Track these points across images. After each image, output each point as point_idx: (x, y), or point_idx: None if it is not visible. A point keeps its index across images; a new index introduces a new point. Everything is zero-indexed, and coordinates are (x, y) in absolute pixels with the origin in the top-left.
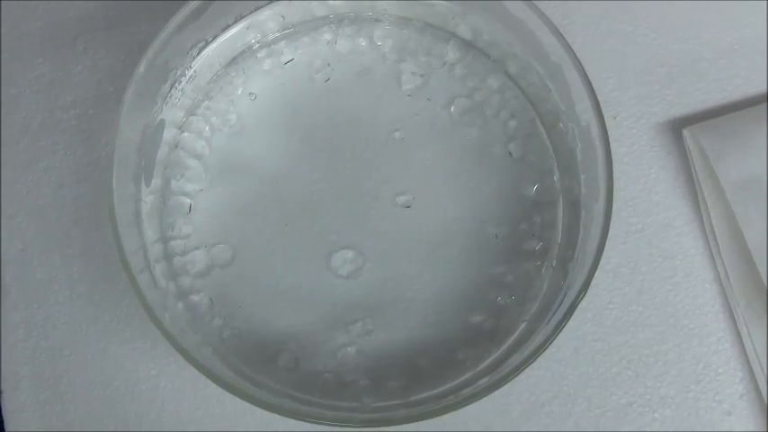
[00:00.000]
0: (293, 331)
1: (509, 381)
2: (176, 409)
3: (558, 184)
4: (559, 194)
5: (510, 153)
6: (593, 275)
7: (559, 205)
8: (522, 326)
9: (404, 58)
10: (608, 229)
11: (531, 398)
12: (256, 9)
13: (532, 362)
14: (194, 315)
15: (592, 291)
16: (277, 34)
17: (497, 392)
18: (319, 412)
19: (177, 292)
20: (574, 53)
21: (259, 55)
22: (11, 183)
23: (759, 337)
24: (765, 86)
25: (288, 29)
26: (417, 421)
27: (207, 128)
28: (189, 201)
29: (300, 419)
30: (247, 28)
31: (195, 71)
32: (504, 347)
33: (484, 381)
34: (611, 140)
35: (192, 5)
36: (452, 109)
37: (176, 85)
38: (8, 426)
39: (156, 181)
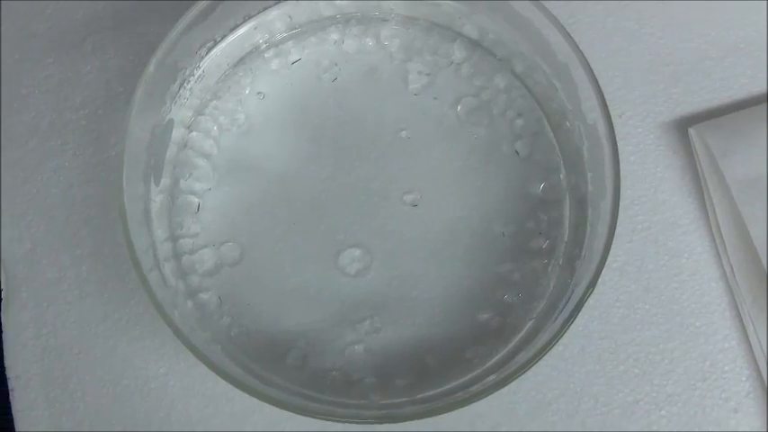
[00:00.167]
0: (301, 329)
1: (516, 378)
2: (185, 408)
3: (564, 182)
4: (566, 193)
5: (517, 152)
6: (600, 273)
7: (566, 203)
8: (529, 324)
9: (410, 58)
10: (615, 227)
11: (538, 396)
12: (264, 9)
13: (539, 359)
14: (203, 313)
15: (598, 289)
16: (284, 34)
17: (504, 390)
18: (330, 409)
19: (186, 290)
20: (581, 52)
21: (267, 55)
22: (20, 182)
23: (765, 335)
24: None
25: (295, 29)
26: (425, 417)
27: (215, 127)
28: (197, 200)
29: (310, 416)
30: (255, 28)
31: (204, 71)
32: (510, 345)
33: (491, 378)
34: (616, 139)
35: (200, 6)
36: (459, 108)
37: (185, 84)
38: (18, 424)
39: (165, 180)
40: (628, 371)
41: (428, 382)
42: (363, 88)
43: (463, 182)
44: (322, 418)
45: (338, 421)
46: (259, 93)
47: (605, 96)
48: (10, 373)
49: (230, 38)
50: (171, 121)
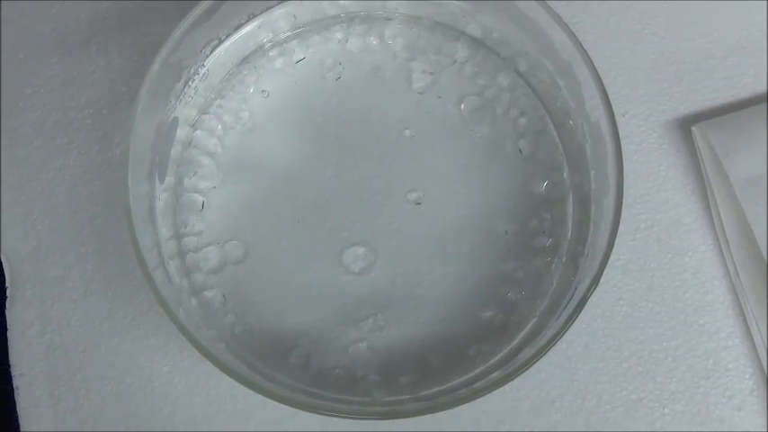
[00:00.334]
0: (305, 327)
1: (519, 375)
2: (189, 406)
3: (567, 180)
4: (569, 191)
5: (520, 150)
6: (603, 270)
7: (569, 202)
8: (533, 321)
9: (414, 57)
10: (618, 224)
11: (542, 394)
12: (268, 8)
13: (542, 356)
14: (207, 311)
15: (602, 287)
16: (289, 33)
17: (508, 388)
18: (333, 406)
19: (191, 288)
20: (584, 50)
21: (271, 54)
22: (26, 181)
23: None
24: None
25: (299, 28)
26: (428, 414)
27: (219, 126)
28: (202, 198)
29: (314, 412)
30: (259, 27)
31: (208, 70)
32: (514, 343)
33: (494, 375)
34: (620, 137)
35: (204, 5)
36: (463, 107)
37: (189, 83)
38: (23, 422)
39: (170, 179)
40: (631, 369)
41: (431, 380)
42: (367, 87)
43: (467, 180)
44: (326, 415)
45: (342, 418)
46: (263, 91)
47: (609, 95)
48: (15, 371)
49: (235, 37)
50: (175, 120)
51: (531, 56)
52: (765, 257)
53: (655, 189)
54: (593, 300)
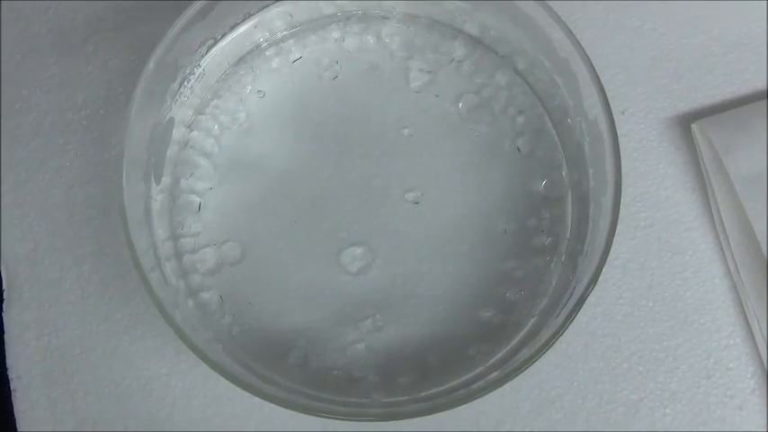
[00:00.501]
0: (303, 328)
1: (518, 375)
2: (187, 408)
3: (566, 179)
4: (568, 189)
5: (518, 149)
6: (602, 269)
7: (568, 200)
8: (532, 320)
9: (412, 56)
10: (617, 221)
11: (542, 394)
12: (264, 8)
13: (542, 356)
14: (204, 312)
15: (601, 286)
16: (285, 32)
17: (507, 388)
18: (332, 408)
19: (187, 289)
20: (581, 47)
21: (267, 53)
22: (22, 183)
23: None
24: None
25: (296, 27)
26: (427, 415)
27: (216, 126)
28: (198, 199)
29: (312, 414)
30: (255, 26)
31: (204, 69)
32: (513, 342)
33: (493, 375)
34: (619, 136)
35: (199, 4)
36: (461, 105)
37: (185, 83)
38: (20, 424)
39: (166, 179)
40: (632, 368)
41: (430, 380)
42: (364, 86)
43: (465, 179)
44: (324, 417)
45: (340, 420)
46: (260, 91)
47: (608, 93)
48: (12, 374)
49: (230, 36)
50: (171, 120)
51: (529, 54)
52: (766, 255)
53: (654, 187)
54: (592, 299)
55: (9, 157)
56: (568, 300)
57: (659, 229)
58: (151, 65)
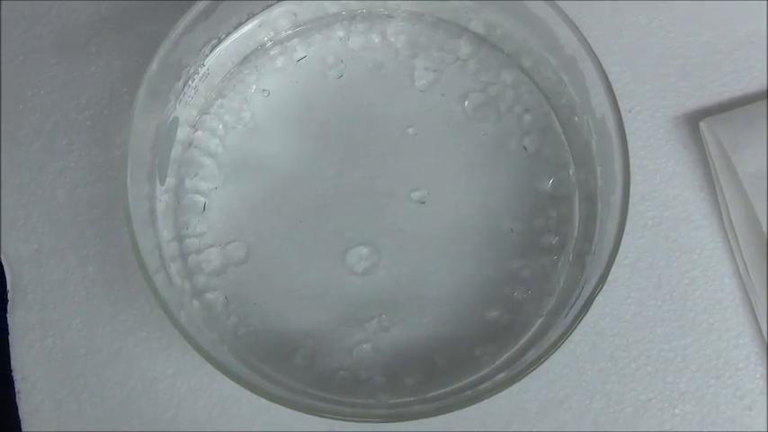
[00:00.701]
0: (309, 329)
1: (526, 375)
2: (192, 408)
3: (573, 177)
4: (575, 188)
5: (525, 147)
6: (611, 268)
7: (575, 199)
8: (539, 321)
9: (417, 54)
10: (625, 221)
11: (550, 394)
12: (267, 7)
13: (550, 356)
14: (210, 313)
15: (610, 286)
16: (289, 32)
17: (515, 389)
18: (338, 409)
19: (192, 290)
20: (588, 43)
21: (272, 52)
22: (26, 183)
23: None
24: None
25: (300, 26)
26: (434, 416)
27: (220, 126)
28: (203, 199)
29: (318, 415)
30: (259, 26)
31: (208, 69)
32: (521, 343)
33: (501, 376)
34: (626, 134)
35: (202, 4)
36: (466, 104)
37: (189, 82)
38: (25, 426)
39: (171, 180)
40: (640, 368)
41: (437, 381)
42: (369, 85)
43: (471, 179)
44: (330, 418)
45: (346, 420)
46: (264, 90)
47: (615, 92)
48: (17, 375)
49: (235, 36)
50: (176, 120)
51: (536, 52)
52: None
53: (662, 185)
54: (600, 299)
55: (12, 157)
56: (576, 300)
57: (667, 227)
58: (155, 65)
